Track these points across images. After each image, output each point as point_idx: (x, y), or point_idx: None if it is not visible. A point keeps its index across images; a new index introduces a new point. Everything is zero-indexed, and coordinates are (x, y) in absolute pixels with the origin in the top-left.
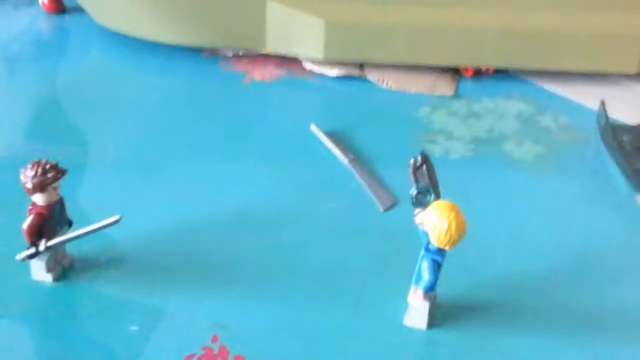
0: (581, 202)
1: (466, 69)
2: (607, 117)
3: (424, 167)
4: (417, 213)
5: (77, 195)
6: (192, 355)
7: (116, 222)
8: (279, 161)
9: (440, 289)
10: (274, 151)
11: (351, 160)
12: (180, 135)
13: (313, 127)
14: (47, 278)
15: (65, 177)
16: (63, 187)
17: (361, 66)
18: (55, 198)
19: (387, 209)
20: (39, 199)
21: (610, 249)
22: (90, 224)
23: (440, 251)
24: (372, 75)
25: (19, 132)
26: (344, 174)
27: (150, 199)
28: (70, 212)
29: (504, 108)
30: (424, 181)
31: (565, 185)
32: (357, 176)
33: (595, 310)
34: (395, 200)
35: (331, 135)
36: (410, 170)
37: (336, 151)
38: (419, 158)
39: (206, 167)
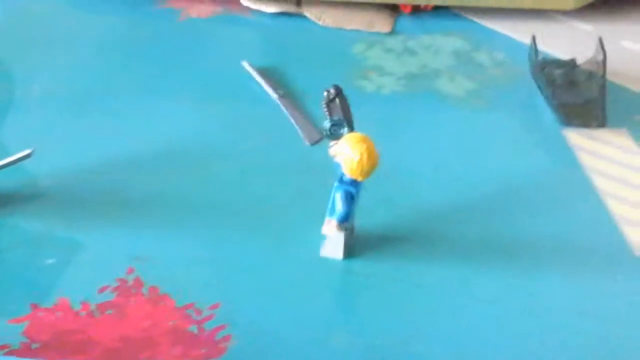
0: (508, 137)
1: (404, 6)
2: (537, 52)
3: (337, 99)
4: (332, 145)
5: (3, 131)
6: (106, 287)
7: (27, 156)
8: (209, 98)
9: (359, 221)
10: (205, 88)
11: (281, 96)
12: (113, 73)
13: (245, 64)
14: None
15: None
16: None
17: (298, 3)
18: None
19: (314, 144)
20: None
21: (532, 182)
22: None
23: (354, 182)
24: (309, 13)
25: None
26: (274, 110)
27: (74, 136)
28: None
29: (441, 45)
30: (338, 114)
31: (494, 120)
32: (285, 111)
33: (511, 241)
34: (323, 135)
35: (264, 72)
36: (324, 102)
37: (267, 87)
38: (332, 90)
39: (135, 104)
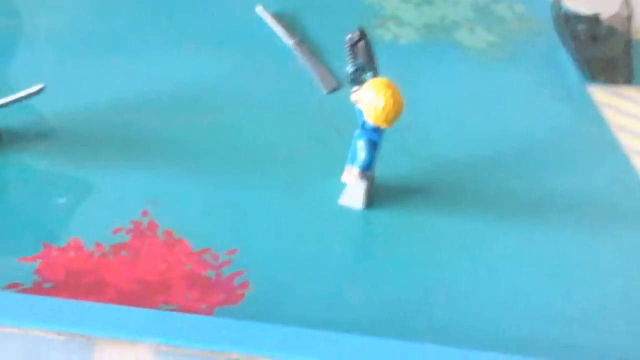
0: (530, 91)
1: None
2: (561, 7)
3: (362, 43)
4: (354, 91)
5: (10, 68)
6: (120, 229)
7: (40, 91)
8: (222, 43)
9: (379, 171)
10: (218, 32)
11: (296, 43)
12: (120, 17)
13: (259, 9)
14: None
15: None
16: None
17: None
18: None
19: (330, 92)
20: None
21: (555, 138)
22: None
23: (377, 130)
24: None
25: None
26: (288, 57)
27: (83, 76)
28: (2, 84)
29: None
30: (362, 58)
31: (515, 74)
32: (301, 59)
33: (533, 197)
34: (340, 83)
35: (277, 17)
36: (347, 46)
37: (282, 33)
38: (357, 33)
39: (146, 48)
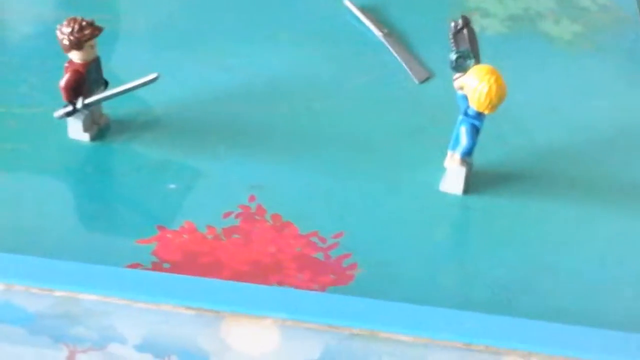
0: (617, 81)
1: None
2: None
3: (465, 30)
4: (457, 78)
5: (112, 61)
6: (230, 213)
7: (153, 80)
8: (312, 35)
9: (475, 158)
10: (307, 25)
11: (385, 35)
12: (213, 12)
13: (346, 2)
14: (84, 137)
15: (101, 45)
16: (99, 53)
17: None
18: (92, 56)
19: (422, 82)
20: (75, 56)
21: None
22: None
23: (480, 115)
24: None
25: (48, 1)
26: (378, 48)
27: (183, 69)
28: (106, 76)
29: None
30: (465, 45)
31: (601, 64)
32: (391, 50)
33: (628, 182)
34: (430, 73)
35: (365, 10)
36: (451, 33)
37: (370, 25)
38: (460, 21)
39: (239, 42)
